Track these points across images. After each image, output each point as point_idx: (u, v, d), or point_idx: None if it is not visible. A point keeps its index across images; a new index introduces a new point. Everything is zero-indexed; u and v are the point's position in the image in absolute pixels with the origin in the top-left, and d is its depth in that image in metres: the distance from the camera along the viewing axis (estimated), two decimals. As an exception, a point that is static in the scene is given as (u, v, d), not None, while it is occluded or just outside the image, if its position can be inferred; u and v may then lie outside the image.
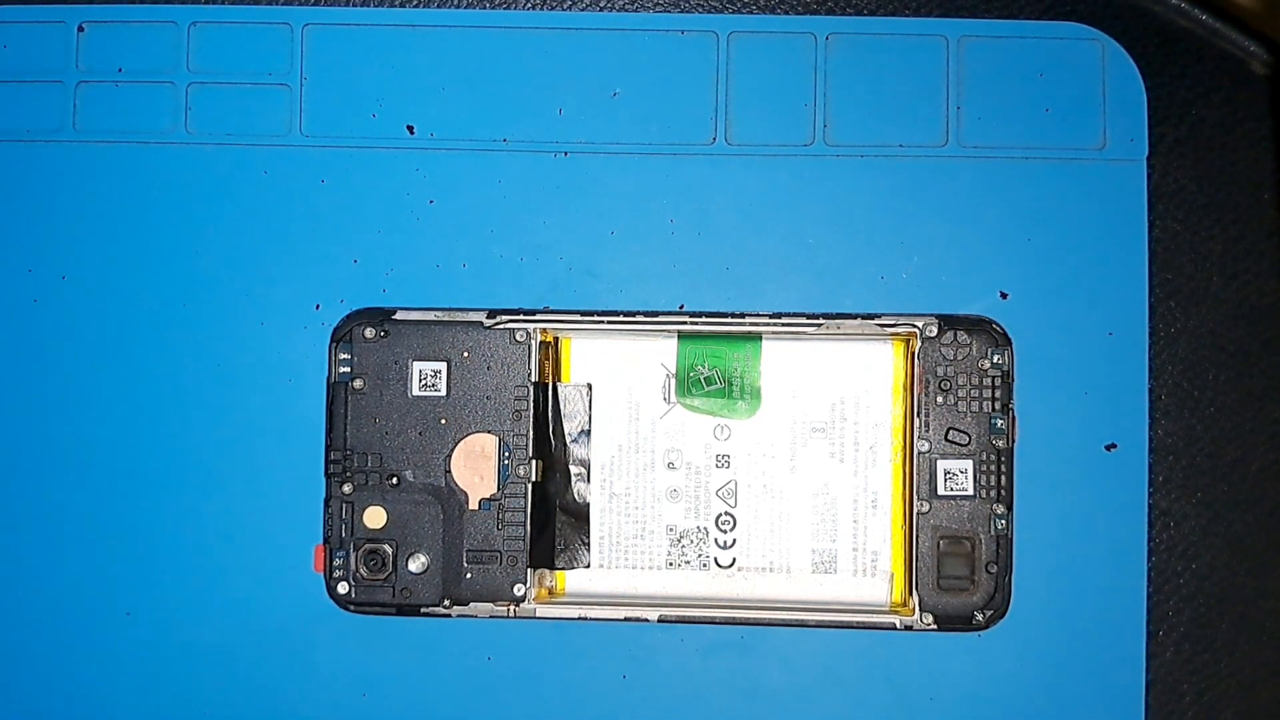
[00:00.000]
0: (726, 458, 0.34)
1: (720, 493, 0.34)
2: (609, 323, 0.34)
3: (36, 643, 0.34)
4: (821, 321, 0.33)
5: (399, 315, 0.34)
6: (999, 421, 0.33)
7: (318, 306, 0.34)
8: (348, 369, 0.34)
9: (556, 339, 0.35)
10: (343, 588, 0.33)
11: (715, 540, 0.34)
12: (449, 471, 0.34)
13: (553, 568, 0.34)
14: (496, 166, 0.34)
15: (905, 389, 0.34)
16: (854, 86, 0.34)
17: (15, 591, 0.34)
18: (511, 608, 0.33)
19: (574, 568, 0.35)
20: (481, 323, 0.34)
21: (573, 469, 0.35)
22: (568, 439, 0.35)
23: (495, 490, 0.34)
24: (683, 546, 0.34)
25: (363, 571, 0.33)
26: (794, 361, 0.34)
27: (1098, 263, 0.33)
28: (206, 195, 0.34)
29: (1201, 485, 0.33)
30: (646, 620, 0.33)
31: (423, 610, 0.33)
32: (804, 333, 0.34)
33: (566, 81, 0.34)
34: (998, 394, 0.33)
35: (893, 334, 0.34)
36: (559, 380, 0.35)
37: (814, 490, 0.34)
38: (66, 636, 0.34)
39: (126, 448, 0.34)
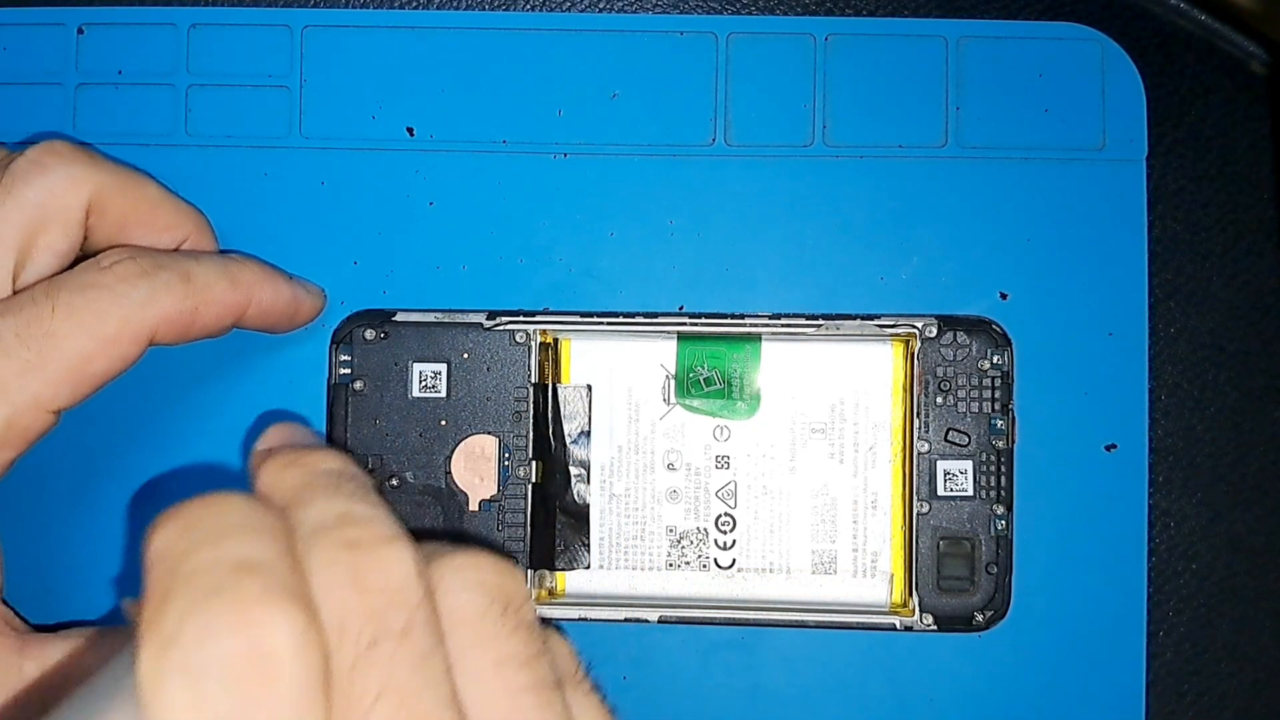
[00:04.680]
0: (726, 459, 0.34)
1: (720, 494, 0.34)
2: (608, 324, 0.34)
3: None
4: (821, 322, 0.33)
5: (399, 317, 0.34)
6: (999, 422, 0.33)
7: (318, 308, 0.34)
8: (348, 370, 0.34)
9: (556, 340, 0.35)
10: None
11: (715, 541, 0.34)
12: (449, 473, 0.34)
13: (553, 569, 0.34)
14: (496, 168, 0.34)
15: (905, 390, 0.34)
16: (853, 87, 0.34)
17: (16, 594, 0.34)
18: (512, 609, 0.33)
19: (574, 569, 0.35)
20: (481, 324, 0.34)
21: (573, 470, 0.35)
22: (567, 440, 0.35)
23: (495, 491, 0.34)
24: (682, 547, 0.34)
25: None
26: (793, 362, 0.34)
27: (1097, 263, 0.33)
28: (206, 197, 0.34)
29: (1201, 485, 0.33)
30: (647, 621, 0.33)
31: (423, 611, 0.33)
32: (803, 334, 0.34)
33: (566, 83, 0.34)
34: (997, 394, 0.33)
35: (892, 335, 0.34)
36: (559, 381, 0.35)
37: (813, 491, 0.34)
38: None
39: (127, 450, 0.34)
